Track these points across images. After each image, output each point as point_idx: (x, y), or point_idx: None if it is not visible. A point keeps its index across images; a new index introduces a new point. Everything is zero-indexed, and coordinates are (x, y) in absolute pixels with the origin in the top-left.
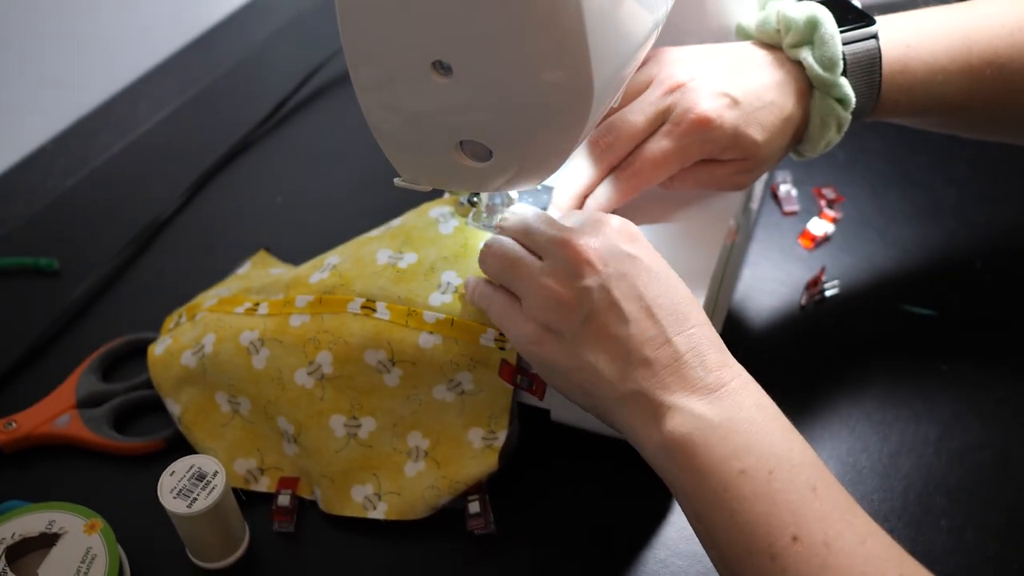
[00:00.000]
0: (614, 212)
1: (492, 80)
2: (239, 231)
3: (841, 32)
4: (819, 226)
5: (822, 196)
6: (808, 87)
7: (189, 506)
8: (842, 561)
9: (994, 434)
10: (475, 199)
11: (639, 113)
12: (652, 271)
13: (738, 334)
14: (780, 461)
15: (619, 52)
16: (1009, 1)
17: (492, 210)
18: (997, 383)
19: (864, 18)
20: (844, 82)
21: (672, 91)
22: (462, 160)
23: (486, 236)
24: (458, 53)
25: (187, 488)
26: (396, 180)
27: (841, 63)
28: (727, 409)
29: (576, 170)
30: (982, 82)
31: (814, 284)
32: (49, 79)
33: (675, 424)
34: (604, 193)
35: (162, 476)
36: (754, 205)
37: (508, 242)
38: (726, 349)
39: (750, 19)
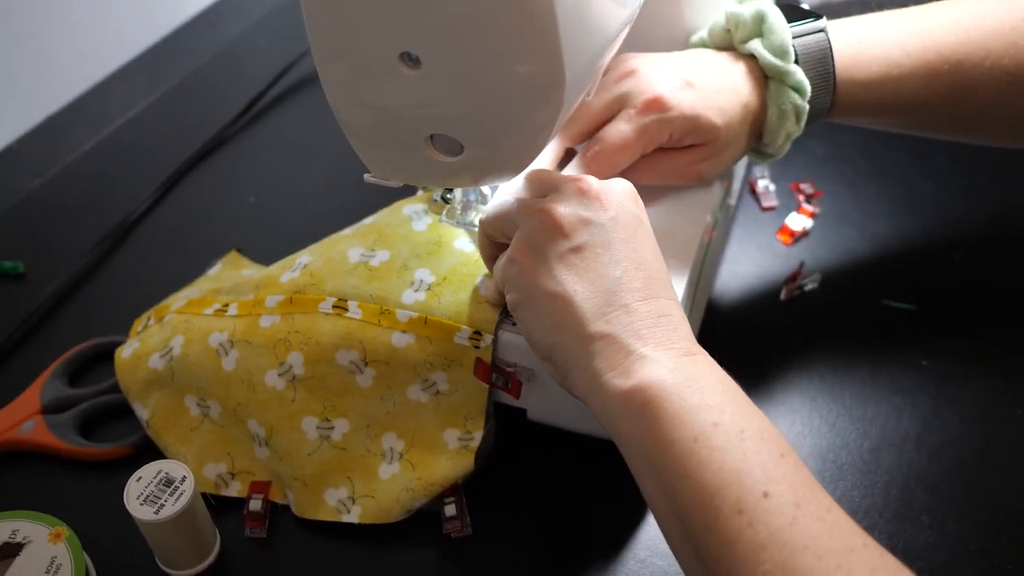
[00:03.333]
0: None
1: (461, 72)
2: (211, 231)
3: (790, 27)
4: (797, 221)
5: (800, 191)
6: (763, 77)
7: (156, 513)
8: (811, 523)
9: (974, 428)
10: (449, 196)
11: (594, 95)
12: (650, 237)
13: (717, 330)
14: (750, 425)
15: (591, 44)
16: (963, 3)
17: (466, 207)
18: (977, 377)
19: (813, 17)
20: (797, 69)
21: (625, 76)
22: (433, 155)
23: (460, 233)
24: (426, 45)
25: (154, 494)
26: (366, 176)
27: (792, 52)
28: (699, 372)
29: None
30: (939, 78)
31: (793, 279)
32: (17, 76)
33: (647, 372)
34: None
35: (128, 482)
36: (732, 201)
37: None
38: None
39: (702, 33)
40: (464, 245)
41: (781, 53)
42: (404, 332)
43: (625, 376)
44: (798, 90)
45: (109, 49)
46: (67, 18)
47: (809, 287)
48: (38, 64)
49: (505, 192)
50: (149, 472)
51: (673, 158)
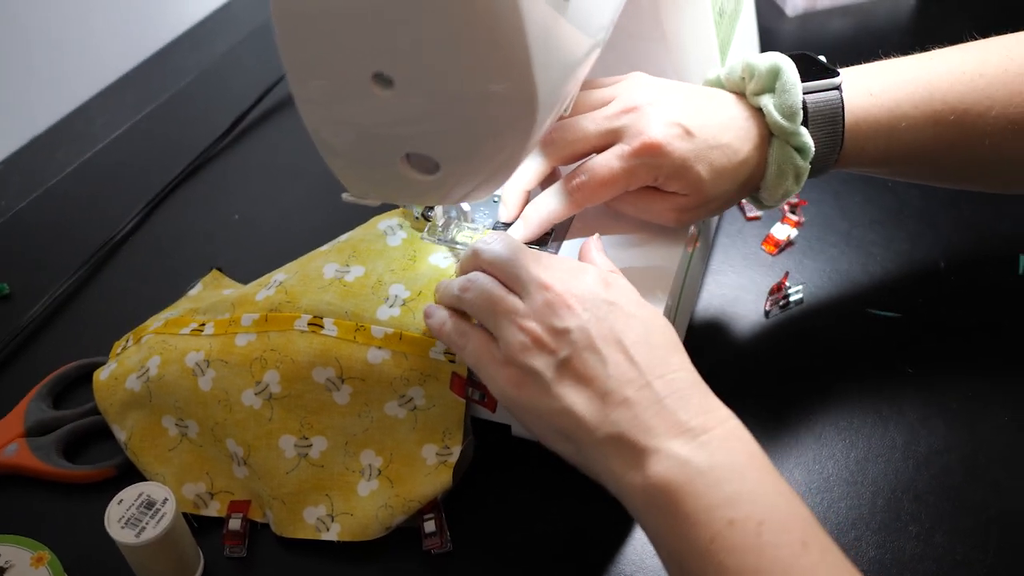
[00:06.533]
0: (565, 222)
1: (434, 92)
2: (196, 250)
3: (804, 83)
4: (782, 231)
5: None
6: (768, 134)
7: (137, 536)
8: None
9: (960, 436)
10: (430, 213)
11: (591, 122)
12: (632, 316)
13: (702, 341)
14: (770, 513)
15: (562, 61)
16: (968, 49)
17: (447, 223)
18: (962, 385)
19: (830, 73)
20: (803, 131)
21: (628, 111)
22: (409, 173)
23: (435, 248)
24: (398, 65)
25: (135, 517)
26: (344, 196)
27: (801, 112)
28: (714, 455)
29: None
30: (946, 128)
31: (778, 289)
32: (1, 98)
33: (659, 468)
34: (549, 204)
35: (109, 505)
36: None
37: (487, 280)
38: (711, 393)
39: (719, 71)
40: (438, 260)
41: (790, 114)
42: (380, 348)
43: (638, 473)
44: (801, 151)
45: (93, 69)
46: (51, 38)
47: (794, 296)
48: (23, 85)
49: (481, 242)
50: (130, 495)
51: (652, 198)
